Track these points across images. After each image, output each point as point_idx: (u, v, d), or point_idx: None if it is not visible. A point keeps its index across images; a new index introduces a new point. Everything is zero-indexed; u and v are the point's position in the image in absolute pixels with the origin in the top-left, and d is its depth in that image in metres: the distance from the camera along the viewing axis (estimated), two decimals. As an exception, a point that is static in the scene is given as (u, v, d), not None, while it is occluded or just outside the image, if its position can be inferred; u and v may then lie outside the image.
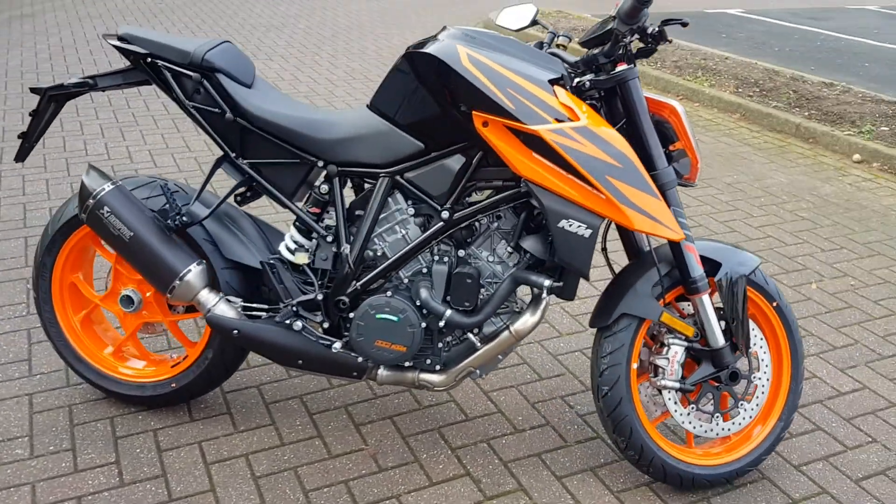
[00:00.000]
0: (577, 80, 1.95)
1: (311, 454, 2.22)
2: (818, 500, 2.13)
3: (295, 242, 2.15)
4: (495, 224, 2.04)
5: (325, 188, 2.09)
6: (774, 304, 2.11)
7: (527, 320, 2.03)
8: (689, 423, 2.09)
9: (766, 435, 2.16)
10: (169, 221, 2.08)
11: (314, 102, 5.58)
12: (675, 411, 2.08)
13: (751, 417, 2.13)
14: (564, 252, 1.89)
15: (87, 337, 2.37)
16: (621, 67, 1.92)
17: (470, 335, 2.06)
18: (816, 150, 5.10)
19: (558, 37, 2.18)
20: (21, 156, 2.27)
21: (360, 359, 2.09)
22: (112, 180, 2.10)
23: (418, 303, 2.05)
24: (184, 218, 2.08)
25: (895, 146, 4.86)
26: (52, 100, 2.18)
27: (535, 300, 2.05)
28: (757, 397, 2.13)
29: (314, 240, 2.14)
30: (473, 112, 1.88)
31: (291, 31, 8.02)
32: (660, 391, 2.07)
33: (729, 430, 2.11)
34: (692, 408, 2.08)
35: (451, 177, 1.98)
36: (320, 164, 2.06)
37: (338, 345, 2.10)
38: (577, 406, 2.46)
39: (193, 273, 2.07)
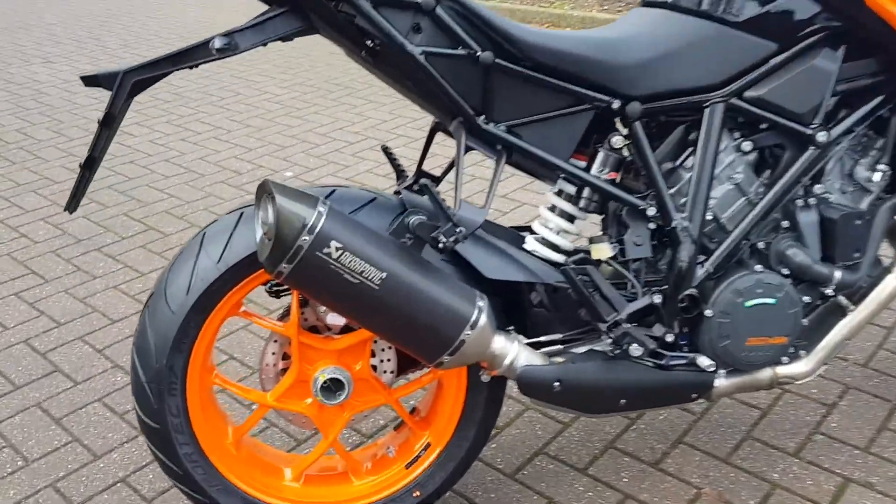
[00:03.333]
0: None
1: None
2: None
3: (559, 233, 1.44)
4: (855, 141, 1.49)
5: (618, 141, 1.40)
6: None
7: (917, 263, 1.52)
8: None
9: None
10: (443, 241, 1.26)
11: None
12: None
13: None
14: None
15: (250, 464, 1.45)
16: None
17: (840, 297, 1.51)
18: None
19: None
20: (74, 204, 1.30)
21: (709, 371, 1.45)
22: (319, 198, 1.23)
23: (786, 271, 1.46)
24: (461, 232, 1.27)
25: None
26: (135, 88, 1.24)
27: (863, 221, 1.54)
28: None
29: (611, 220, 1.44)
30: (873, -23, 1.30)
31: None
32: None
33: None
34: None
35: (828, 82, 1.39)
36: (616, 104, 1.36)
37: (683, 360, 1.44)
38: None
39: (485, 313, 1.28)
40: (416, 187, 1.56)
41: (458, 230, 1.24)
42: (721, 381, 1.49)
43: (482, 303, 1.28)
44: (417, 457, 1.49)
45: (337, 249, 1.19)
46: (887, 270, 1.52)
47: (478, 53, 1.27)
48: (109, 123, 1.26)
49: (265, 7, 1.33)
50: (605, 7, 5.78)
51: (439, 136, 1.62)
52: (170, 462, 1.38)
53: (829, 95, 1.39)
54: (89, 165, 1.28)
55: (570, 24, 5.70)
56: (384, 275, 1.21)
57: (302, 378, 1.39)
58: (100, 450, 1.80)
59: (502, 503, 1.61)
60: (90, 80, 1.25)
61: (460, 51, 1.27)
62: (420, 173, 1.58)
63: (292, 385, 1.39)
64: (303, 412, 1.41)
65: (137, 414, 1.38)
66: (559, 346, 1.44)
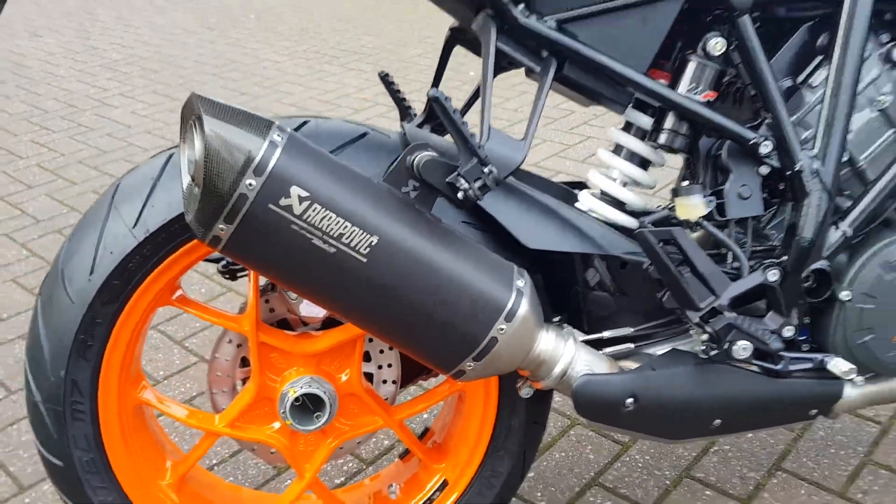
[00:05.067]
0: None
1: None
2: None
3: (626, 184, 1.01)
4: None
5: (718, 45, 0.96)
6: None
7: None
8: None
9: None
10: (464, 188, 0.83)
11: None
12: None
13: None
14: None
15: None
16: None
17: None
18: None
19: None
20: None
21: (848, 376, 1.02)
22: (272, 122, 0.81)
23: (950, 238, 1.02)
24: (491, 174, 0.84)
25: None
26: None
27: None
28: None
29: (703, 164, 1.02)
30: None
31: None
32: None
33: None
34: None
35: None
36: (712, -7, 0.92)
37: (809, 362, 1.01)
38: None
39: (527, 298, 0.86)
40: (425, 125, 1.14)
41: (486, 171, 0.82)
42: (851, 392, 1.06)
43: (522, 282, 0.86)
44: (430, 499, 1.07)
45: (301, 200, 0.77)
46: None
47: None
48: None
49: None
50: None
51: (460, 58, 1.19)
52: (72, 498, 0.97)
53: None
54: None
55: None
56: (375, 239, 0.79)
57: (265, 394, 0.98)
58: (28, 480, 1.41)
59: (546, 556, 1.20)
60: None
61: None
62: (432, 108, 1.15)
63: (251, 404, 0.98)
64: (267, 442, 1.00)
65: (37, 445, 0.97)
66: (629, 346, 1.01)
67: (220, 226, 0.77)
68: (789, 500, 1.27)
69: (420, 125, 1.12)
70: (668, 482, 1.31)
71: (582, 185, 1.11)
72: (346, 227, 0.78)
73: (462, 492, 1.06)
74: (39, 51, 4.51)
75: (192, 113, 0.79)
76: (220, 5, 5.52)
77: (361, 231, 0.79)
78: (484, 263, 0.84)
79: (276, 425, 1.00)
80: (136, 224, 0.90)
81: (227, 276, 1.09)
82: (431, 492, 1.07)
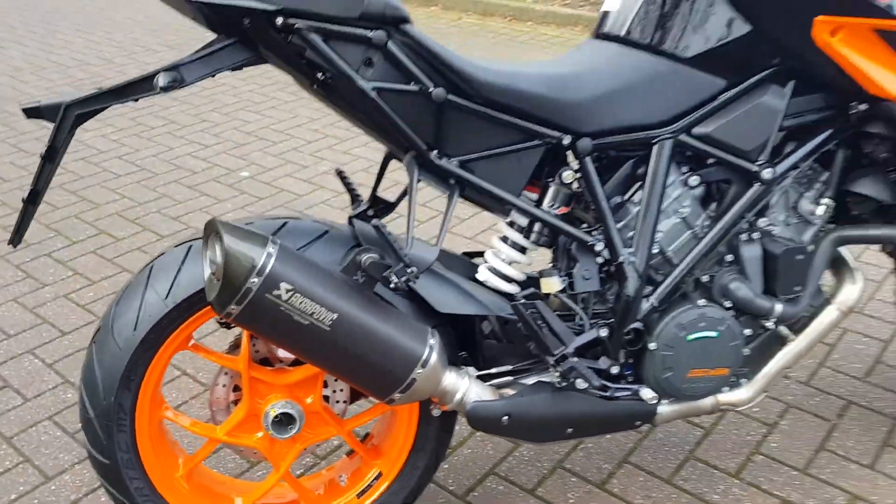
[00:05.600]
0: None
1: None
2: None
3: (510, 263, 1.46)
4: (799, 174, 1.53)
5: (568, 176, 1.41)
6: None
7: (854, 289, 1.57)
8: None
9: None
10: (394, 282, 1.26)
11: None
12: None
13: None
14: (947, 190, 1.45)
15: (202, 496, 1.45)
16: None
17: (780, 327, 1.55)
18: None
19: None
20: (18, 238, 1.28)
21: (652, 401, 1.49)
22: (269, 237, 1.22)
23: (729, 304, 1.49)
24: (413, 270, 1.27)
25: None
26: (78, 120, 1.22)
27: (842, 262, 1.60)
28: None
29: (561, 254, 1.46)
30: (817, 18, 1.33)
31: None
32: None
33: None
34: None
35: (775, 119, 1.42)
36: (566, 139, 1.37)
37: (627, 392, 1.47)
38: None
39: (436, 351, 1.30)
40: (369, 213, 1.56)
41: (409, 270, 1.25)
42: (664, 409, 1.52)
43: (433, 341, 1.29)
44: (369, 486, 1.50)
45: (287, 291, 1.19)
46: (827, 301, 1.57)
47: (430, 89, 1.27)
48: (52, 157, 1.23)
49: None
50: (567, 2, 5.79)
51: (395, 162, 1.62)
52: (121, 496, 1.38)
53: (775, 132, 1.43)
54: (33, 199, 1.26)
55: (532, 18, 5.69)
56: (335, 315, 1.21)
57: (253, 412, 1.40)
58: (51, 471, 1.78)
59: (452, 526, 1.64)
60: (32, 112, 1.23)
61: (412, 86, 1.27)
62: (374, 199, 1.58)
63: (243, 419, 1.40)
64: (254, 446, 1.42)
65: (86, 447, 1.37)
66: (509, 378, 1.46)
67: (233, 306, 1.18)
68: (631, 485, 1.74)
69: (365, 211, 1.54)
70: (545, 471, 1.77)
71: (482, 254, 1.54)
72: (316, 307, 1.20)
73: (392, 480, 1.50)
74: (5, 65, 4.75)
75: (213, 230, 1.20)
76: (179, 24, 5.79)
77: (326, 310, 1.21)
78: (408, 328, 1.27)
79: (260, 434, 1.41)
80: (167, 296, 1.30)
81: (224, 326, 1.49)
82: (370, 480, 1.50)
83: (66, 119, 1.21)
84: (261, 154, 3.53)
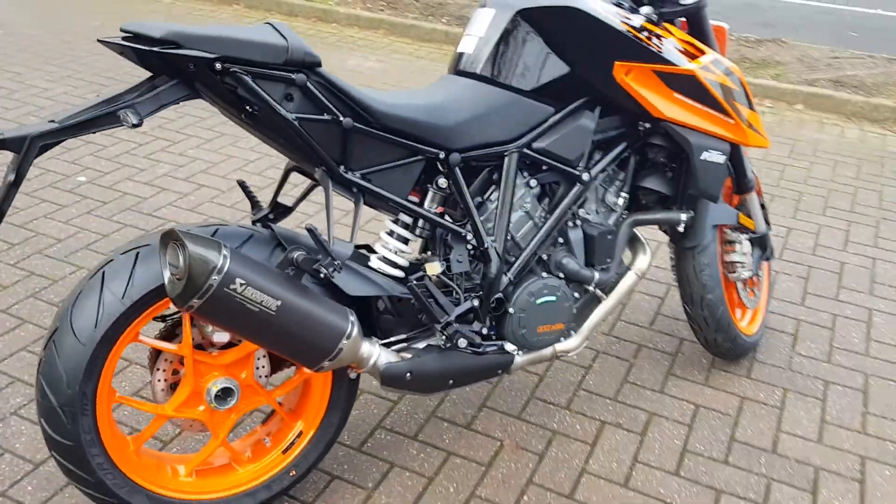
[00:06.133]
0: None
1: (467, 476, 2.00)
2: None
3: (396, 252, 1.82)
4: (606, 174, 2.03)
5: (443, 182, 1.80)
6: None
7: (645, 259, 2.10)
8: (749, 302, 2.46)
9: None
10: (324, 272, 1.57)
11: None
12: (746, 297, 2.42)
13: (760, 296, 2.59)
14: (704, 182, 2.00)
15: (151, 467, 1.67)
16: None
17: (597, 290, 2.05)
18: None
19: None
20: None
21: (510, 353, 1.92)
22: (220, 242, 1.48)
23: (562, 275, 1.96)
24: (338, 263, 1.59)
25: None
26: (41, 150, 1.42)
27: (636, 239, 2.13)
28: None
29: (439, 243, 1.84)
30: (617, 63, 1.82)
31: None
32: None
33: (755, 303, 2.53)
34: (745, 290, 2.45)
35: (588, 135, 1.89)
36: (441, 155, 1.76)
37: (494, 347, 1.90)
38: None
39: (356, 326, 1.63)
40: (271, 217, 1.85)
41: (336, 262, 1.58)
42: (518, 359, 1.97)
43: (353, 317, 1.63)
44: (292, 443, 1.81)
45: (241, 285, 1.47)
46: (627, 269, 2.09)
47: (340, 119, 1.60)
48: (18, 183, 1.42)
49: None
50: (369, 6, 6.15)
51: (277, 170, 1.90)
52: (84, 473, 1.58)
53: (590, 145, 1.91)
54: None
55: (337, 20, 6.00)
56: (279, 302, 1.52)
57: (196, 390, 1.65)
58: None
59: (355, 472, 1.98)
60: None
61: (326, 116, 1.59)
62: (276, 205, 1.87)
63: (188, 397, 1.65)
64: (198, 418, 1.67)
65: (48, 434, 1.55)
66: (404, 345, 1.83)
67: (195, 301, 1.44)
68: (490, 424, 2.17)
69: (267, 216, 1.83)
70: (422, 420, 2.16)
71: (368, 247, 1.89)
72: (264, 297, 1.50)
73: (311, 436, 1.81)
74: None
75: (172, 238, 1.46)
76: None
77: (271, 298, 1.50)
78: (333, 309, 1.60)
79: (202, 408, 1.67)
80: (123, 296, 1.53)
81: (159, 319, 1.72)
82: (293, 438, 1.81)
83: (30, 150, 1.40)
84: (94, 158, 3.57)
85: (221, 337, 1.71)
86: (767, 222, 2.43)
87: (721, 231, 2.33)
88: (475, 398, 2.27)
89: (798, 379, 2.45)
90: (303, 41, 1.56)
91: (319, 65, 1.57)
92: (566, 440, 2.14)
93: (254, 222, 1.85)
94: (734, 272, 2.36)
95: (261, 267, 1.52)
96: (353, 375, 1.80)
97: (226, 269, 1.45)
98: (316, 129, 1.59)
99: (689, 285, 2.26)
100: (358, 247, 1.90)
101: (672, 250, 2.31)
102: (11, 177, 1.41)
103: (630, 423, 2.22)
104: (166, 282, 1.48)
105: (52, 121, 1.43)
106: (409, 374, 1.76)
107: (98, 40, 1.49)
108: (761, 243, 2.42)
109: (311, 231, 1.58)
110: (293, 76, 1.53)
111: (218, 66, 1.46)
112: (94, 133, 1.45)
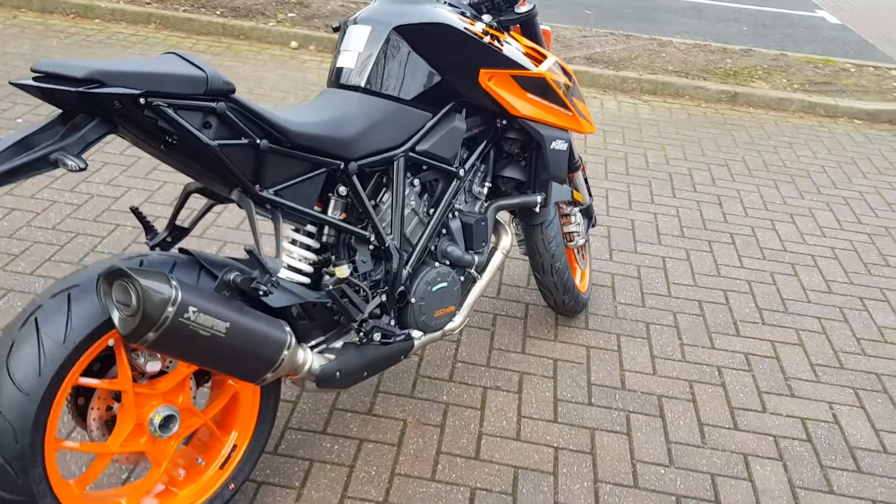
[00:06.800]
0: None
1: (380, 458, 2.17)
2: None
3: (301, 260, 1.93)
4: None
5: (343, 190, 1.92)
6: None
7: (507, 239, 2.38)
8: (581, 265, 2.84)
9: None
10: (262, 289, 1.63)
11: None
12: (579, 260, 2.79)
13: None
14: (554, 167, 2.31)
15: (97, 506, 1.65)
16: (526, 6, 2.29)
17: (474, 272, 2.29)
18: (257, 45, 5.59)
19: None
20: None
21: (413, 339, 2.11)
22: (166, 274, 1.50)
23: (448, 262, 2.17)
24: (275, 279, 1.66)
25: (312, 28, 5.74)
26: None
27: (497, 222, 2.39)
28: None
29: (341, 248, 1.96)
30: (482, 70, 2.04)
31: None
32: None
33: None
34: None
35: (461, 135, 2.11)
36: (340, 165, 1.88)
37: (402, 335, 2.06)
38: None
39: (292, 335, 1.72)
40: (169, 240, 1.87)
41: (272, 279, 1.66)
42: (418, 342, 2.16)
43: (288, 328, 1.73)
44: (228, 458, 1.86)
45: (193, 312, 1.52)
46: (495, 249, 2.36)
47: (258, 141, 1.67)
48: None
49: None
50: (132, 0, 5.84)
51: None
52: None
53: (461, 143, 2.13)
54: None
55: (99, 16, 5.63)
56: (227, 324, 1.58)
57: (139, 421, 1.65)
58: None
59: (278, 475, 2.07)
60: None
61: (244, 140, 1.65)
62: (174, 228, 1.89)
63: (132, 430, 1.65)
64: (142, 450, 1.68)
65: (-4, 493, 1.49)
66: (323, 346, 1.95)
67: (150, 335, 1.47)
68: (388, 406, 2.35)
69: (164, 239, 1.85)
70: (325, 414, 2.29)
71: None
72: (214, 321, 1.55)
73: (246, 448, 1.87)
74: None
75: (119, 276, 1.46)
76: None
77: (220, 321, 1.56)
78: (271, 322, 1.68)
79: (143, 439, 1.67)
80: (64, 340, 1.50)
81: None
82: (228, 453, 1.86)
83: None
84: None
85: (154, 366, 1.72)
86: (590, 194, 2.82)
87: (559, 206, 2.68)
88: (368, 386, 2.43)
89: (625, 324, 2.89)
90: (217, 70, 1.61)
91: (234, 91, 1.63)
92: (459, 409, 2.38)
93: (151, 247, 1.86)
94: (572, 241, 2.72)
95: (205, 292, 1.57)
96: (288, 383, 1.89)
97: (179, 299, 1.49)
98: (235, 153, 1.65)
99: (540, 256, 2.58)
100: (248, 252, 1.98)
101: (520, 228, 2.61)
102: None
103: (507, 385, 2.50)
104: (117, 320, 1.48)
105: None
106: (338, 373, 1.89)
107: (10, 83, 1.44)
108: (588, 213, 2.80)
109: (250, 252, 1.64)
110: (213, 105, 1.58)
111: (142, 101, 1.48)
112: (22, 181, 1.41)
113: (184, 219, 1.92)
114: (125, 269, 1.47)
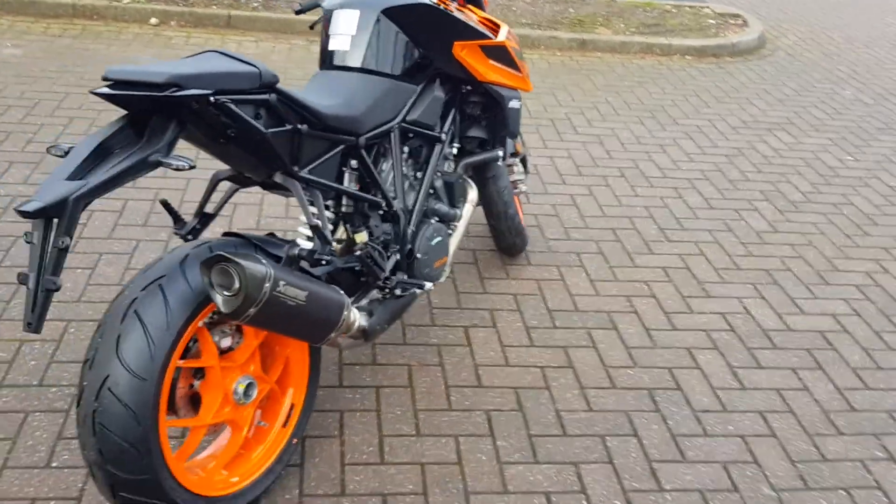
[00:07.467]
0: None
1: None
2: (529, 222, 3.52)
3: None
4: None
5: (354, 164, 2.11)
6: None
7: (473, 192, 2.65)
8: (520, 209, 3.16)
9: None
10: (325, 260, 1.81)
11: None
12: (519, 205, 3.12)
13: None
14: (513, 124, 2.59)
15: (200, 477, 1.78)
16: None
17: (453, 224, 2.55)
18: (115, 24, 5.37)
19: None
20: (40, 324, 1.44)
21: (423, 287, 2.33)
22: (254, 254, 1.65)
23: (437, 218, 2.42)
24: (331, 248, 1.84)
25: (170, 3, 5.58)
26: (84, 207, 1.45)
27: (463, 178, 2.66)
28: None
29: (356, 217, 2.16)
30: (456, 42, 2.28)
31: None
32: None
33: None
34: None
35: (441, 103, 2.34)
36: (353, 140, 2.07)
37: (416, 287, 2.29)
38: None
39: (347, 298, 1.92)
40: (198, 227, 2.00)
41: (333, 251, 1.85)
42: (418, 292, 2.41)
43: (342, 293, 1.92)
44: (288, 416, 2.03)
45: (284, 286, 1.69)
46: (464, 202, 2.63)
47: (299, 127, 1.83)
48: (68, 246, 1.44)
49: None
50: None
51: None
52: (157, 498, 1.65)
53: (440, 111, 2.37)
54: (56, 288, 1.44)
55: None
56: (306, 293, 1.76)
57: (225, 392, 1.80)
58: None
59: (317, 428, 2.27)
60: (39, 213, 1.41)
61: (288, 126, 1.81)
62: (203, 215, 2.00)
63: (221, 402, 1.79)
64: (228, 418, 1.83)
65: (118, 477, 1.60)
66: (360, 303, 2.16)
67: (251, 310, 1.63)
68: (389, 355, 2.58)
69: (194, 227, 1.97)
70: (337, 371, 2.48)
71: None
72: (297, 291, 1.73)
73: (302, 406, 2.06)
74: None
75: (218, 261, 1.61)
76: None
77: (301, 291, 1.74)
78: (332, 289, 1.88)
79: (228, 409, 1.82)
80: (167, 326, 1.62)
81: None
82: (288, 412, 2.03)
83: (75, 211, 1.43)
84: None
85: (226, 342, 1.86)
86: (524, 145, 3.15)
87: (506, 158, 2.98)
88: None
89: (560, 256, 3.27)
90: (265, 64, 1.75)
91: (278, 81, 1.77)
92: (450, 348, 2.66)
93: (182, 236, 1.98)
94: (517, 188, 3.04)
95: (287, 270, 1.74)
96: (340, 340, 2.07)
97: (273, 276, 1.66)
98: (280, 139, 1.81)
99: (495, 205, 2.88)
100: (269, 234, 2.13)
101: (473, 181, 2.88)
102: (67, 241, 1.43)
103: (482, 322, 2.81)
104: (220, 302, 1.63)
105: (80, 178, 1.46)
106: (378, 326, 2.11)
107: (91, 92, 1.51)
108: (524, 162, 3.12)
109: (314, 228, 1.83)
110: (266, 97, 1.73)
111: (213, 99, 1.61)
112: (121, 186, 1.51)
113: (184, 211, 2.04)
114: (226, 254, 1.61)
